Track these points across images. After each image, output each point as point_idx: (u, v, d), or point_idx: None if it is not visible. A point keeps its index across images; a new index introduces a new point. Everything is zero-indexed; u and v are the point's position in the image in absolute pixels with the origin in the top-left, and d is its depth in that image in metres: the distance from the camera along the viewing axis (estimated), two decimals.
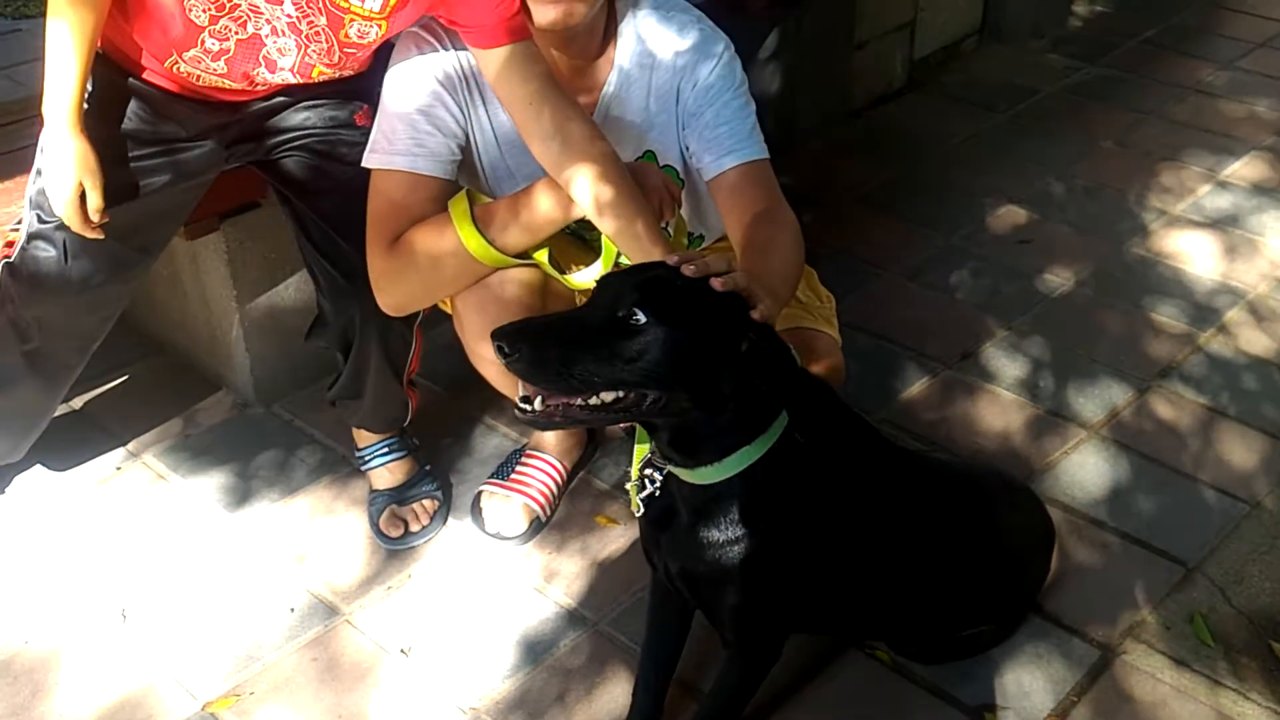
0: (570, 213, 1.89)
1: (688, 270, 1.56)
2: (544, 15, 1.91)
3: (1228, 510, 2.45)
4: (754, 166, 2.02)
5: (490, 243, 1.91)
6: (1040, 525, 2.18)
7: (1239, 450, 2.61)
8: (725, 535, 1.66)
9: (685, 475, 1.65)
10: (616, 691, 2.07)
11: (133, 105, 2.00)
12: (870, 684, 2.09)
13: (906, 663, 2.11)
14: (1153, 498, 2.48)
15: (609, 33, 2.06)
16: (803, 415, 1.63)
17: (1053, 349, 2.92)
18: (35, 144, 1.97)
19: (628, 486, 1.81)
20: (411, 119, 1.97)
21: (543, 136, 1.90)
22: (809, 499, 1.68)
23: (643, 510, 1.75)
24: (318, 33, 1.90)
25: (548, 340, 1.51)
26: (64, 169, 1.87)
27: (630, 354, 1.50)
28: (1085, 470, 2.55)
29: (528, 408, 1.56)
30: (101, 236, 1.96)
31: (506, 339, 1.50)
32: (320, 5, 1.86)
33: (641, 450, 1.80)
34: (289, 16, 1.87)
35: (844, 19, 3.79)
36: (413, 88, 1.98)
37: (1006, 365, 2.87)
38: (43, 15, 1.83)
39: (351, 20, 1.89)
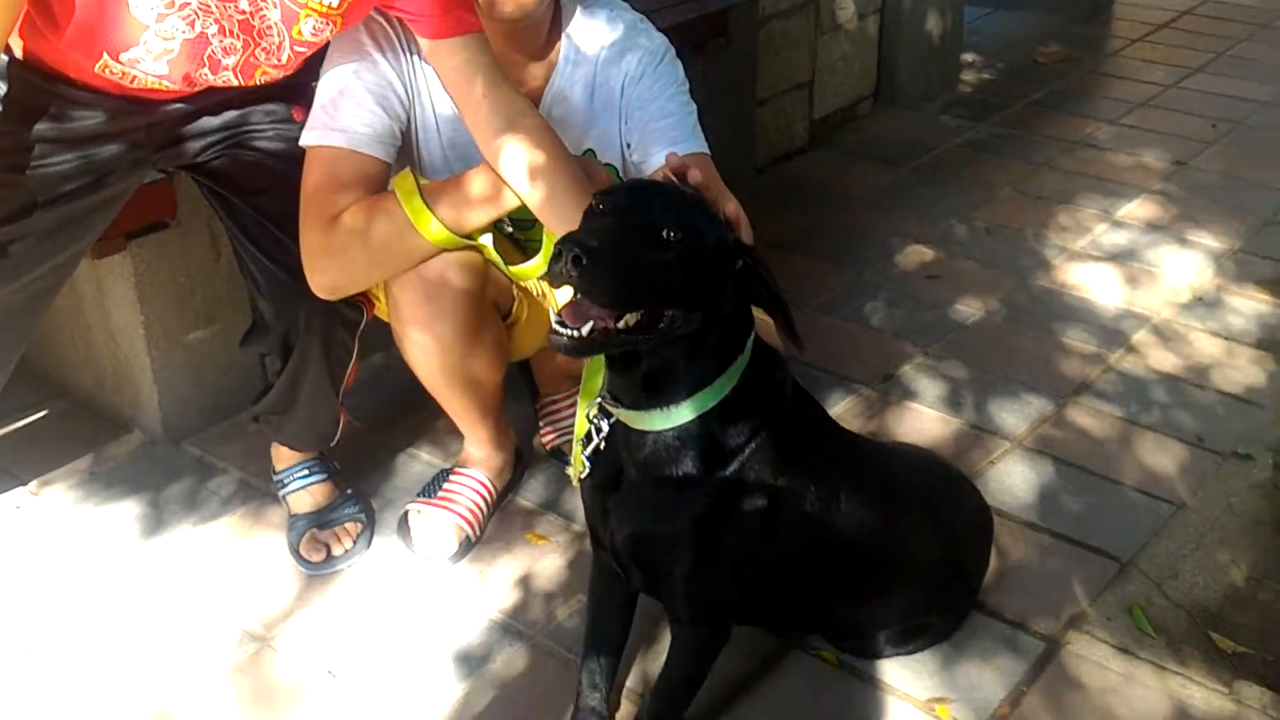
0: (510, 197, 1.87)
1: (693, 176, 1.60)
2: (505, 2, 1.92)
3: (1155, 510, 2.46)
4: (696, 160, 2.01)
5: (439, 220, 1.87)
6: (980, 513, 2.17)
7: (1160, 457, 2.63)
8: (677, 489, 1.62)
9: (639, 422, 1.61)
10: (557, 703, 1.98)
11: (52, 108, 1.92)
12: (819, 683, 2.04)
13: (853, 661, 2.07)
14: (1081, 500, 2.49)
15: (554, 31, 2.08)
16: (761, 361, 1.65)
17: (970, 370, 2.95)
18: None
19: (568, 471, 1.75)
20: (356, 96, 1.94)
21: (489, 127, 1.88)
22: (764, 453, 1.64)
23: (587, 470, 1.69)
24: (269, 27, 1.83)
25: (606, 255, 1.43)
26: None
27: (671, 269, 1.47)
28: (1013, 477, 2.55)
29: (567, 332, 1.46)
30: None
31: (582, 249, 1.39)
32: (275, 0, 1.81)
33: (585, 403, 1.76)
34: (242, 14, 1.81)
35: (746, 72, 3.86)
36: (358, 66, 1.94)
37: (927, 385, 2.88)
38: None
39: (307, 16, 1.84)
